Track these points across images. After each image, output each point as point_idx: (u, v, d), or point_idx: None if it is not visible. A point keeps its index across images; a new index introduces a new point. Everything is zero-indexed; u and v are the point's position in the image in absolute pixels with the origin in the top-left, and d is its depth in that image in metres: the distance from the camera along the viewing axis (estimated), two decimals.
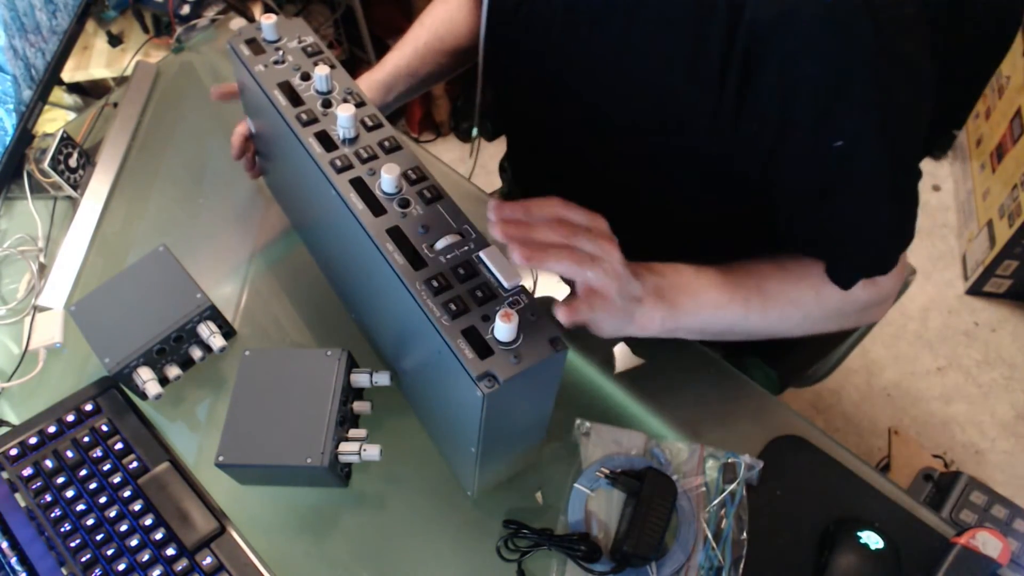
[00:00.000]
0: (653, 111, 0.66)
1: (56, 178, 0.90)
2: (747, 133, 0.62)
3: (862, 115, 0.58)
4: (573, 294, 0.58)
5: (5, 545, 0.68)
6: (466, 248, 0.56)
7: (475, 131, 0.90)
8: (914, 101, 0.61)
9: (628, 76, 0.67)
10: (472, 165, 0.97)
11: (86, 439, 0.72)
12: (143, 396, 0.74)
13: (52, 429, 0.73)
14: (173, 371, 0.76)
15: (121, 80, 1.10)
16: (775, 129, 0.60)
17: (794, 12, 0.56)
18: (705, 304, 0.65)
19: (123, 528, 0.67)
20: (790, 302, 0.69)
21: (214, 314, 0.76)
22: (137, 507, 0.68)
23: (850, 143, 0.59)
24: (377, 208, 0.57)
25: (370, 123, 0.62)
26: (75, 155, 0.93)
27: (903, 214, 0.66)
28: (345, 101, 0.63)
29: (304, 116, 0.62)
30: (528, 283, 0.83)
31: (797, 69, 0.57)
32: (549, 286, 0.83)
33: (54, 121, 1.20)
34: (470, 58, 0.92)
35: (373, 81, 0.87)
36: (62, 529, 0.68)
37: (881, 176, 0.62)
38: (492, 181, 1.15)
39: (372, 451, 0.67)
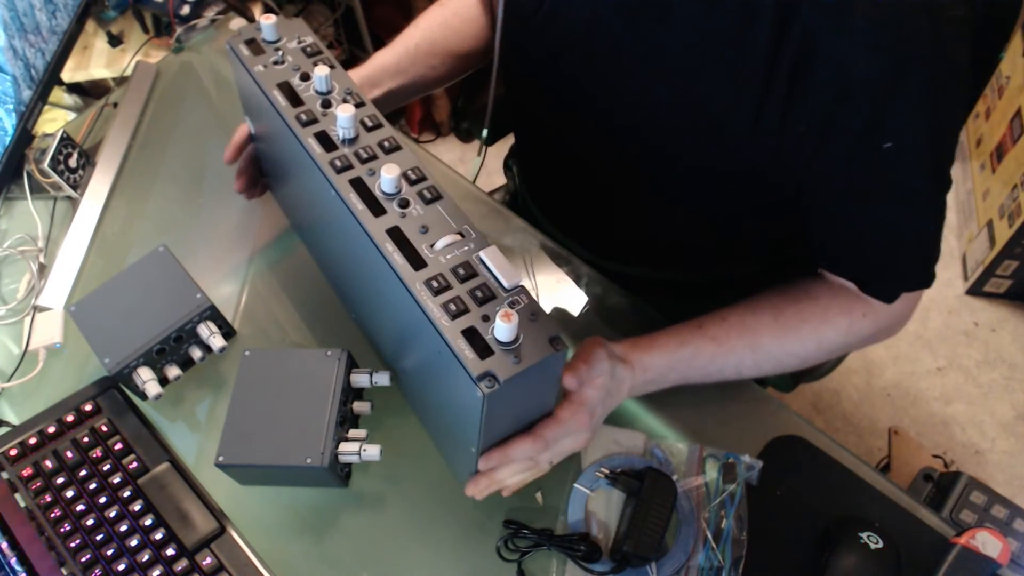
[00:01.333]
0: (685, 115, 0.65)
1: (56, 178, 0.90)
2: (791, 136, 0.60)
3: (914, 117, 0.57)
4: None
5: (5, 545, 0.68)
6: (466, 248, 0.56)
7: (485, 132, 0.89)
8: (959, 106, 0.61)
9: (660, 79, 0.65)
10: (477, 169, 0.97)
11: (86, 439, 0.72)
12: (143, 396, 0.74)
13: (52, 429, 0.73)
14: (173, 371, 0.76)
15: (121, 80, 1.10)
16: (820, 131, 0.59)
17: (851, 12, 0.55)
18: (694, 379, 0.69)
19: (123, 528, 0.67)
20: (787, 354, 0.69)
21: (214, 314, 0.76)
22: (137, 507, 0.68)
23: (899, 146, 0.58)
24: (377, 208, 0.57)
25: (370, 123, 0.62)
26: (75, 155, 0.93)
27: (939, 224, 0.65)
28: (345, 101, 0.63)
29: (304, 116, 0.62)
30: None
31: (852, 70, 0.56)
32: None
33: (54, 121, 1.20)
34: (466, 64, 0.91)
35: (356, 76, 0.84)
36: (62, 529, 0.68)
37: (925, 181, 0.61)
38: (492, 181, 1.15)
39: (372, 451, 0.67)
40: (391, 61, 0.87)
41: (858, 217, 0.64)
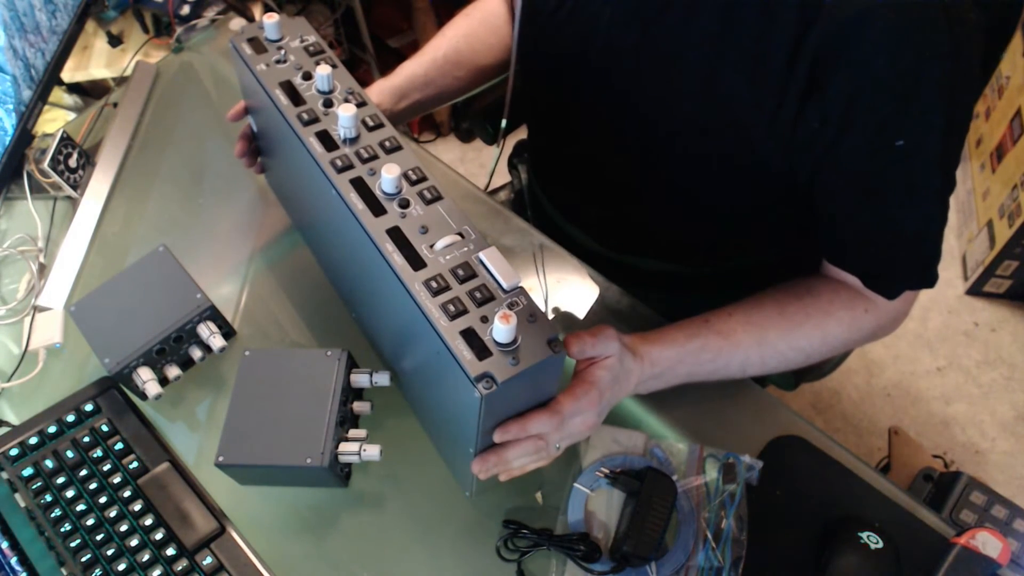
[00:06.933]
0: (705, 110, 0.66)
1: (56, 178, 0.90)
2: (806, 131, 0.61)
3: (930, 117, 0.58)
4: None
5: (5, 545, 0.68)
6: (465, 249, 0.56)
7: (504, 123, 0.88)
8: (969, 108, 0.61)
9: (681, 74, 0.66)
10: (495, 162, 0.97)
11: (86, 439, 0.72)
12: (143, 396, 0.74)
13: (52, 429, 0.73)
14: (173, 371, 0.76)
15: (121, 80, 1.10)
16: (837, 127, 0.60)
17: (872, 12, 0.56)
18: (701, 375, 0.69)
19: (123, 528, 0.67)
20: (791, 348, 0.70)
21: (214, 314, 0.76)
22: (137, 507, 0.68)
23: (912, 144, 0.59)
24: (377, 208, 0.57)
25: (371, 123, 0.62)
26: (75, 155, 0.93)
27: (942, 225, 0.66)
28: (346, 101, 0.63)
29: (305, 116, 0.62)
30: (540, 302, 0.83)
31: (871, 68, 0.57)
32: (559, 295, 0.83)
33: (54, 121, 1.20)
34: (489, 75, 0.91)
35: (386, 87, 0.86)
36: (62, 529, 0.68)
37: (934, 180, 0.62)
38: (494, 180, 1.15)
39: (372, 451, 0.67)
40: (419, 72, 0.87)
41: (867, 213, 0.65)
